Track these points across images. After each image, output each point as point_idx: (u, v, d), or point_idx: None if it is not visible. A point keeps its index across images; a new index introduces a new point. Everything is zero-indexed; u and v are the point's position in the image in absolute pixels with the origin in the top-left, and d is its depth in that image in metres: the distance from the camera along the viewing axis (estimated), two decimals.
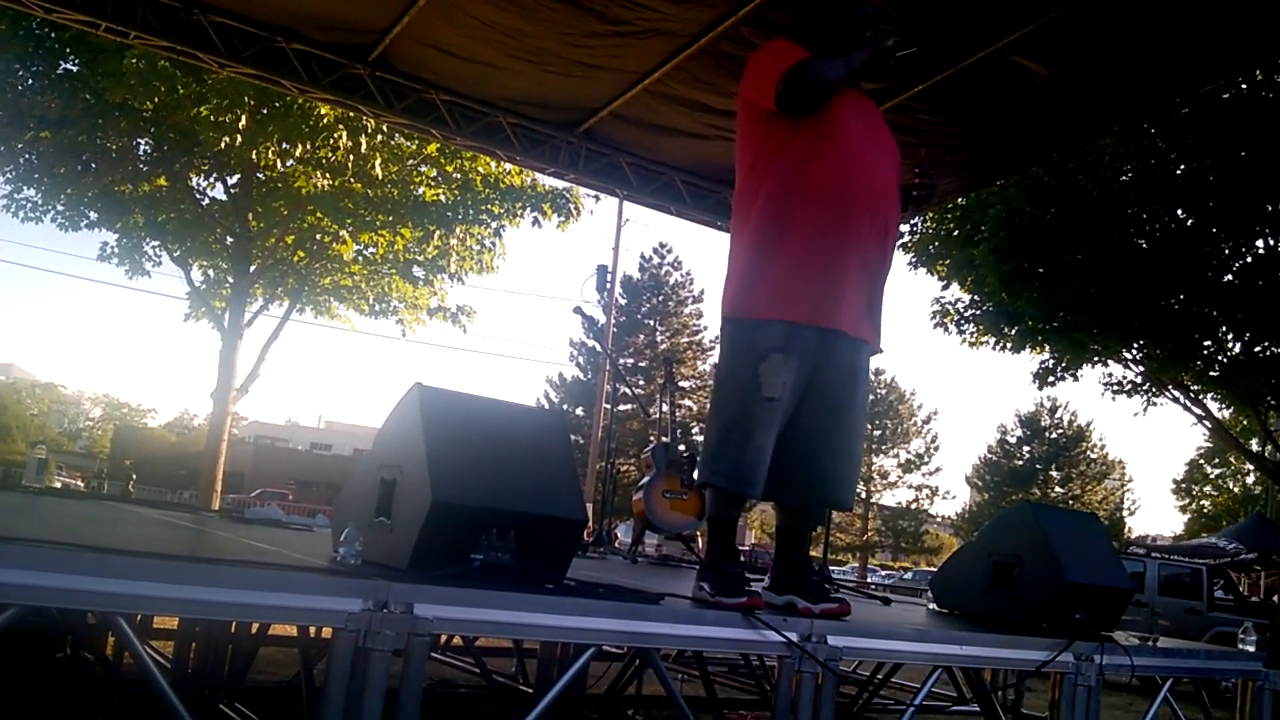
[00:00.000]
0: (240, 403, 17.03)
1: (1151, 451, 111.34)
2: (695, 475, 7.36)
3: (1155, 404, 15.78)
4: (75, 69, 13.88)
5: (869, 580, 35.17)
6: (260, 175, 15.39)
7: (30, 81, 13.84)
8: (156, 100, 12.90)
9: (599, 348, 36.11)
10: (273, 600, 2.21)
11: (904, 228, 14.34)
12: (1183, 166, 12.41)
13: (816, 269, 3.18)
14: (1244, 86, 11.50)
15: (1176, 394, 15.15)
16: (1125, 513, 46.56)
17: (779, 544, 3.51)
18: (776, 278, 3.19)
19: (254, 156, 13.75)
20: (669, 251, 45.12)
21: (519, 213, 15.78)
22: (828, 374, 3.24)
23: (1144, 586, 15.22)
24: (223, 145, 12.90)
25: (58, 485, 28.84)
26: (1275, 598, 17.02)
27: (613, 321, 31.18)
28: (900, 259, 15.02)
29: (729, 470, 3.20)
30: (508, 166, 14.38)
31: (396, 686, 2.28)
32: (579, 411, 39.26)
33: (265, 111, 12.96)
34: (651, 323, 43.42)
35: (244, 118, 12.57)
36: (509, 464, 2.88)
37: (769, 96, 3.16)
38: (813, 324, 3.18)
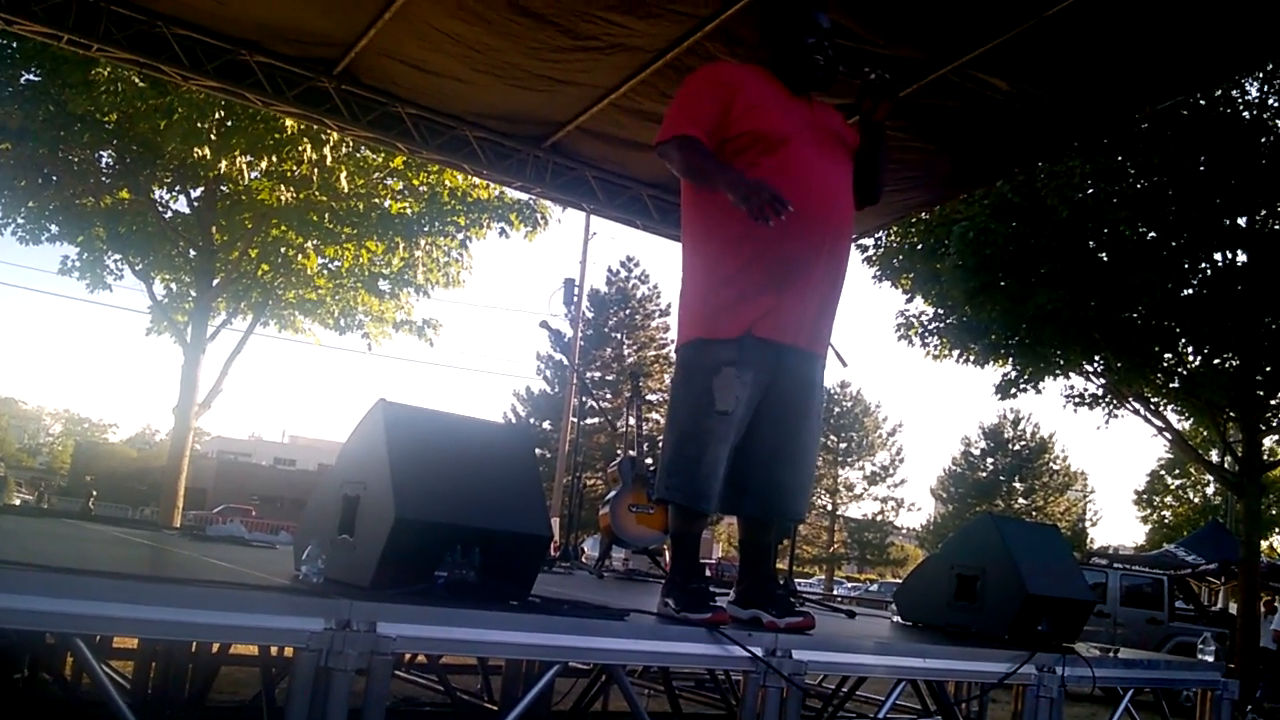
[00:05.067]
0: (203, 418, 16.86)
1: (1113, 463, 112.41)
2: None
3: (1117, 416, 15.96)
4: (37, 79, 13.70)
5: (835, 592, 35.30)
6: (224, 188, 15.27)
7: None
8: (120, 112, 12.79)
9: (566, 361, 36.07)
10: (234, 620, 2.19)
11: (867, 241, 14.46)
12: (1143, 182, 12.58)
13: (768, 284, 3.19)
14: (1202, 103, 11.69)
15: (1137, 406, 15.32)
16: (1087, 523, 47.05)
17: (743, 558, 3.51)
18: (728, 294, 3.21)
19: (219, 169, 13.64)
20: (636, 265, 45.19)
21: (485, 224, 15.74)
22: (782, 387, 3.26)
23: (1106, 597, 15.38)
24: (189, 158, 12.78)
25: (16, 502, 28.40)
26: (1233, 608, 17.23)
27: (580, 335, 31.15)
28: (865, 272, 15.13)
29: (682, 485, 3.21)
30: (475, 180, 14.34)
31: (360, 706, 2.26)
32: (546, 425, 39.16)
33: (230, 124, 12.86)
34: (619, 336, 43.41)
35: (210, 130, 12.47)
36: (473, 480, 2.87)
37: (659, 136, 3.29)
38: (766, 338, 3.20)
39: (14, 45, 12.99)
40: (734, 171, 3.14)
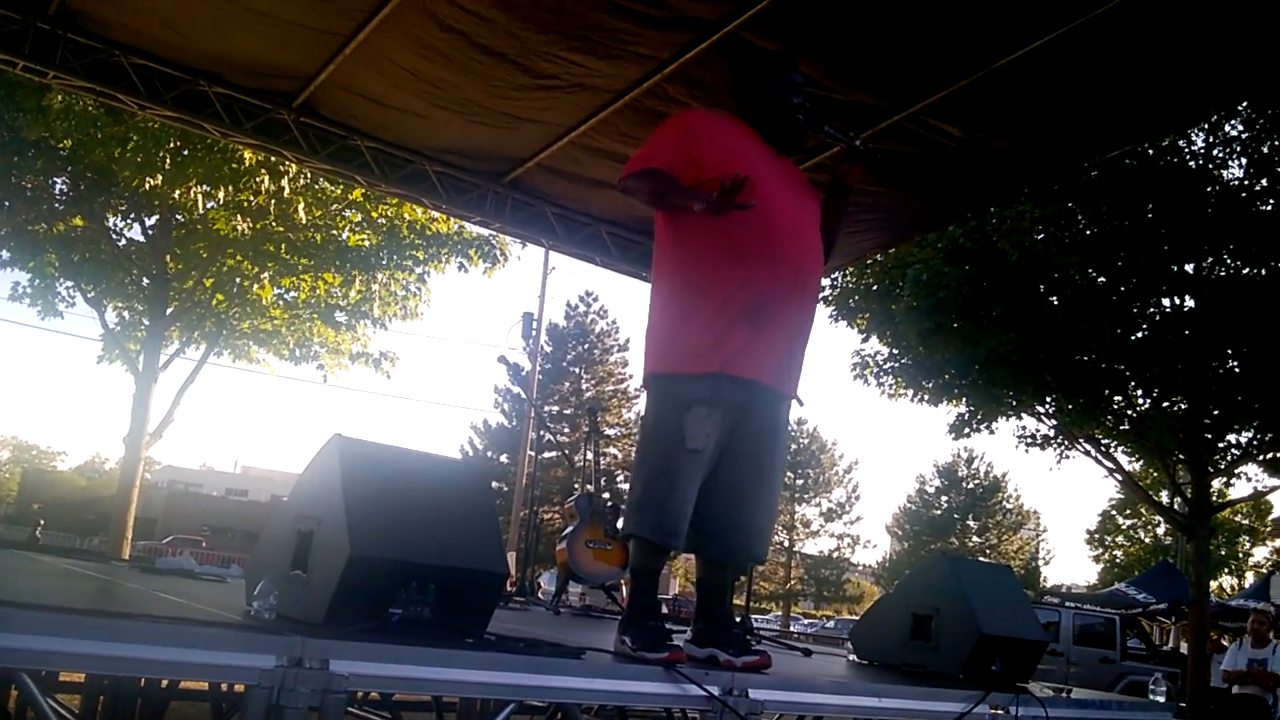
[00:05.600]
0: (154, 447, 16.63)
1: (1065, 503, 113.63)
2: (620, 525, 7.36)
3: (1068, 457, 16.18)
4: None
5: (792, 629, 35.26)
6: (179, 217, 15.16)
7: None
8: (75, 139, 12.67)
9: (524, 395, 36.00)
10: (183, 656, 2.16)
11: (824, 281, 14.59)
12: (1093, 229, 12.83)
13: (739, 324, 3.21)
14: (1150, 152, 11.97)
15: (1088, 447, 15.54)
16: (1040, 562, 47.54)
17: (700, 597, 3.52)
18: (699, 332, 3.22)
19: (175, 198, 13.53)
20: (595, 300, 45.33)
21: (444, 258, 15.71)
22: (749, 427, 3.28)
23: (1059, 636, 15.50)
24: (144, 186, 12.67)
25: None
26: (1184, 648, 17.41)
27: (538, 369, 31.11)
28: (821, 311, 15.21)
29: (653, 521, 3.21)
30: (434, 214, 14.34)
31: None
32: (503, 459, 38.99)
33: (186, 153, 12.76)
34: (577, 370, 43.42)
35: (166, 159, 12.37)
36: (429, 516, 2.85)
37: (623, 172, 3.34)
38: (737, 375, 3.21)
39: None
40: (694, 190, 3.17)
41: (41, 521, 33.83)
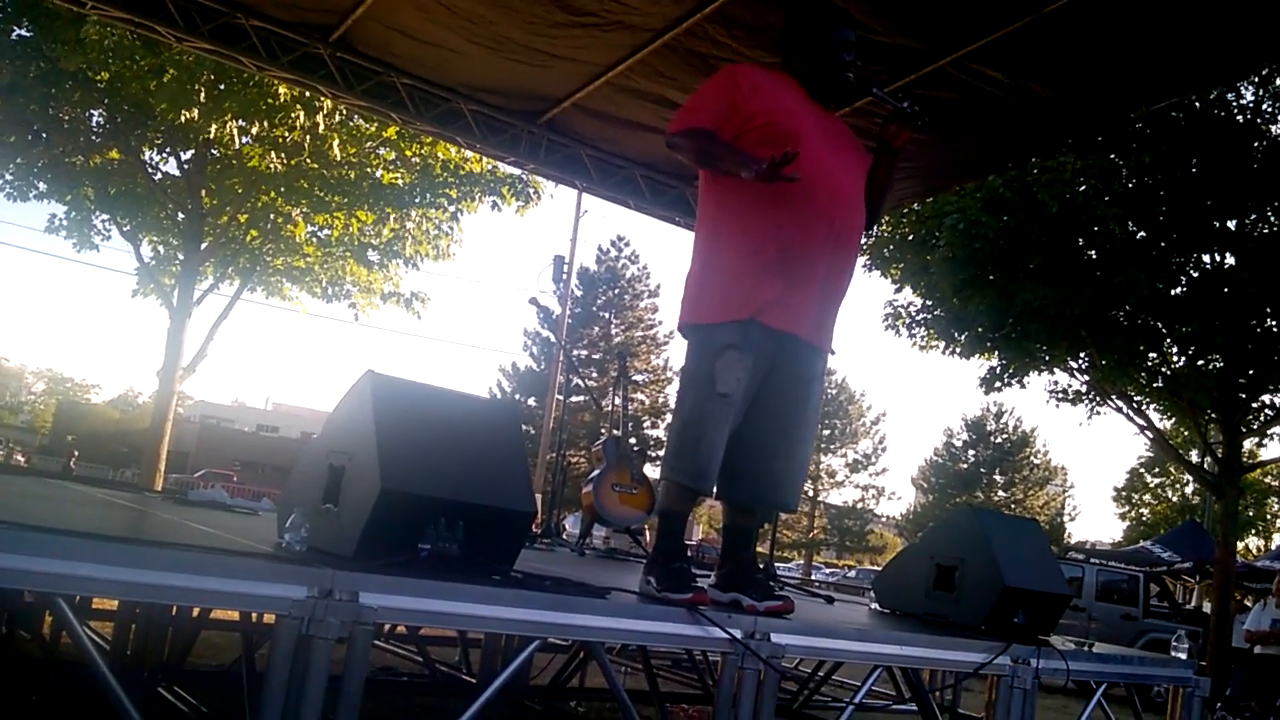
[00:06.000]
0: (187, 382, 16.81)
1: (1094, 459, 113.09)
2: (644, 469, 7.39)
3: (1099, 413, 16.02)
4: (29, 35, 13.57)
5: (813, 578, 35.47)
6: (215, 152, 15.18)
7: None
8: (112, 71, 12.68)
9: (553, 338, 36.10)
10: (215, 585, 2.19)
11: None
12: (1135, 182, 12.60)
13: (775, 274, 3.22)
14: (1197, 105, 11.71)
15: (1120, 404, 15.39)
16: (1066, 518, 47.33)
17: (725, 542, 3.54)
18: (734, 280, 3.25)
19: (210, 132, 13.54)
20: (626, 245, 45.15)
21: (477, 197, 15.68)
22: (782, 376, 3.29)
23: (1082, 592, 15.49)
24: (180, 119, 12.67)
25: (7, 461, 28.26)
26: (1207, 607, 17.37)
27: (568, 313, 31.12)
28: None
29: (685, 466, 3.24)
30: (468, 153, 14.28)
31: (339, 674, 2.27)
32: (531, 402, 39.12)
33: (222, 87, 12.75)
34: (607, 315, 43.38)
35: (201, 92, 12.36)
36: (459, 454, 2.87)
37: (671, 127, 3.36)
38: (769, 325, 3.22)
39: (6, 0, 12.87)
40: (742, 152, 3.17)
41: (76, 453, 34.41)
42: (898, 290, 15.37)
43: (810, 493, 46.31)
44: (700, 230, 3.44)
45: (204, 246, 15.99)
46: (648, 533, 7.65)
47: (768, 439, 3.30)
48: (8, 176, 14.81)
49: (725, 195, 3.33)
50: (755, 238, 3.24)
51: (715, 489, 3.33)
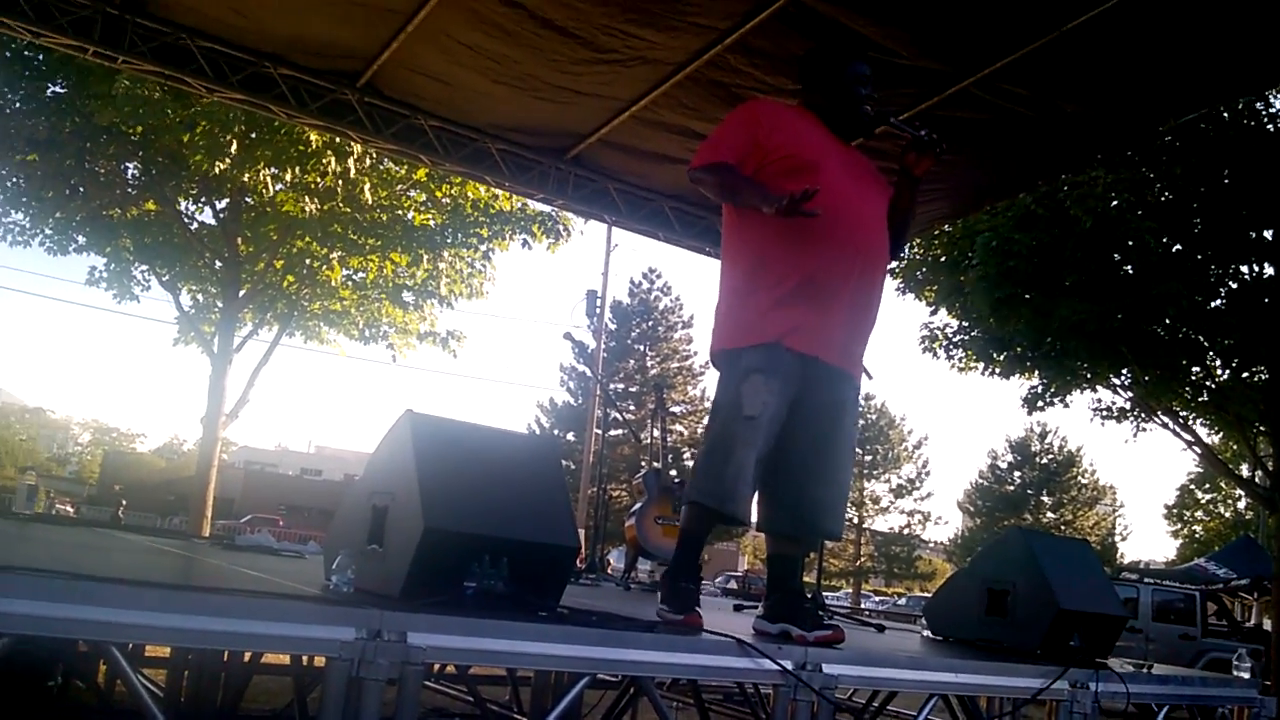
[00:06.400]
0: (230, 428, 16.97)
1: (1143, 477, 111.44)
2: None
3: (1145, 429, 15.82)
4: (63, 91, 13.84)
5: (863, 606, 35.11)
6: (249, 200, 15.40)
7: (18, 104, 13.82)
8: (145, 124, 12.91)
9: (589, 372, 36.11)
10: (265, 629, 2.19)
11: None
12: (1168, 194, 12.49)
13: (799, 300, 3.26)
14: (1225, 115, 11.60)
15: (1166, 419, 15.19)
16: (1117, 538, 46.59)
17: (771, 572, 3.52)
18: (760, 307, 3.29)
19: (244, 181, 13.75)
20: (658, 276, 45.28)
21: (508, 235, 15.81)
22: (812, 401, 3.29)
23: (1138, 612, 15.24)
24: (213, 170, 12.88)
25: (53, 511, 28.59)
26: (1267, 624, 17.02)
27: (603, 346, 31.19)
28: (888, 284, 15.07)
29: (710, 488, 3.27)
30: (497, 191, 14.41)
31: (391, 715, 2.26)
32: (570, 436, 39.18)
33: (254, 136, 12.96)
34: (641, 348, 43.42)
35: (233, 142, 12.57)
36: (501, 490, 2.87)
37: (693, 161, 3.43)
38: (794, 349, 3.25)
39: (40, 57, 13.16)
40: (763, 187, 3.22)
41: (124, 502, 34.76)
42: (933, 312, 15.30)
43: (855, 519, 45.94)
44: (725, 259, 3.49)
45: (242, 293, 16.19)
46: None
47: (804, 465, 3.29)
48: (48, 231, 15.08)
49: (748, 225, 3.38)
50: (779, 267, 3.28)
51: (756, 519, 3.34)
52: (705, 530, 3.42)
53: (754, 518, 3.34)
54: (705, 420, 3.55)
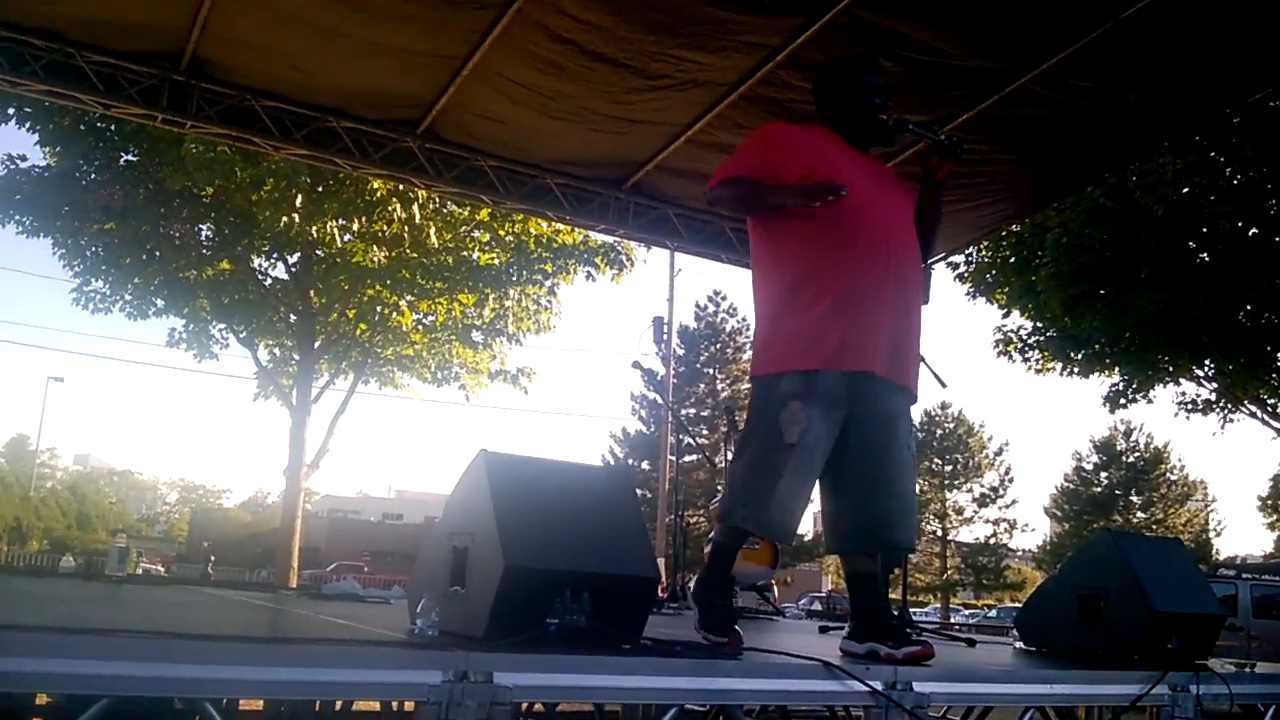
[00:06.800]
0: (312, 477, 17.28)
1: (1234, 469, 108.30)
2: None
3: (1232, 420, 15.43)
4: (135, 159, 14.31)
5: (952, 620, 34.49)
6: (319, 252, 15.73)
7: (93, 175, 14.32)
8: (215, 185, 13.27)
9: (660, 400, 36.13)
10: (354, 677, 2.22)
11: (958, 258, 14.24)
12: (1239, 177, 12.19)
13: (837, 318, 3.23)
14: None
15: (1254, 409, 14.77)
16: (1212, 534, 45.25)
17: (852, 593, 3.47)
18: (795, 331, 3.28)
19: (313, 234, 14.05)
20: (723, 299, 45.09)
21: (572, 269, 15.93)
22: (864, 417, 3.26)
23: (1237, 609, 14.74)
24: (281, 225, 13.19)
25: (139, 572, 29.24)
26: None
27: (672, 372, 31.21)
28: (958, 289, 14.92)
29: (755, 515, 3.27)
30: (559, 226, 14.54)
31: None
32: (644, 465, 39.14)
33: (321, 189, 13.24)
34: (711, 371, 43.30)
35: (300, 197, 12.86)
36: (578, 525, 2.88)
37: (710, 182, 3.42)
38: (837, 369, 3.22)
39: (112, 128, 13.61)
40: (784, 188, 3.25)
41: (212, 558, 35.51)
42: (1005, 314, 15.10)
43: (939, 532, 45.22)
44: (756, 284, 3.49)
45: (317, 344, 16.51)
46: (774, 587, 7.53)
47: (864, 480, 3.27)
48: (127, 297, 15.54)
49: (776, 245, 3.39)
50: (813, 285, 3.27)
51: (827, 547, 3.37)
52: (737, 546, 3.47)
53: (821, 541, 3.34)
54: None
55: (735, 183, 3.37)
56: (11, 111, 12.77)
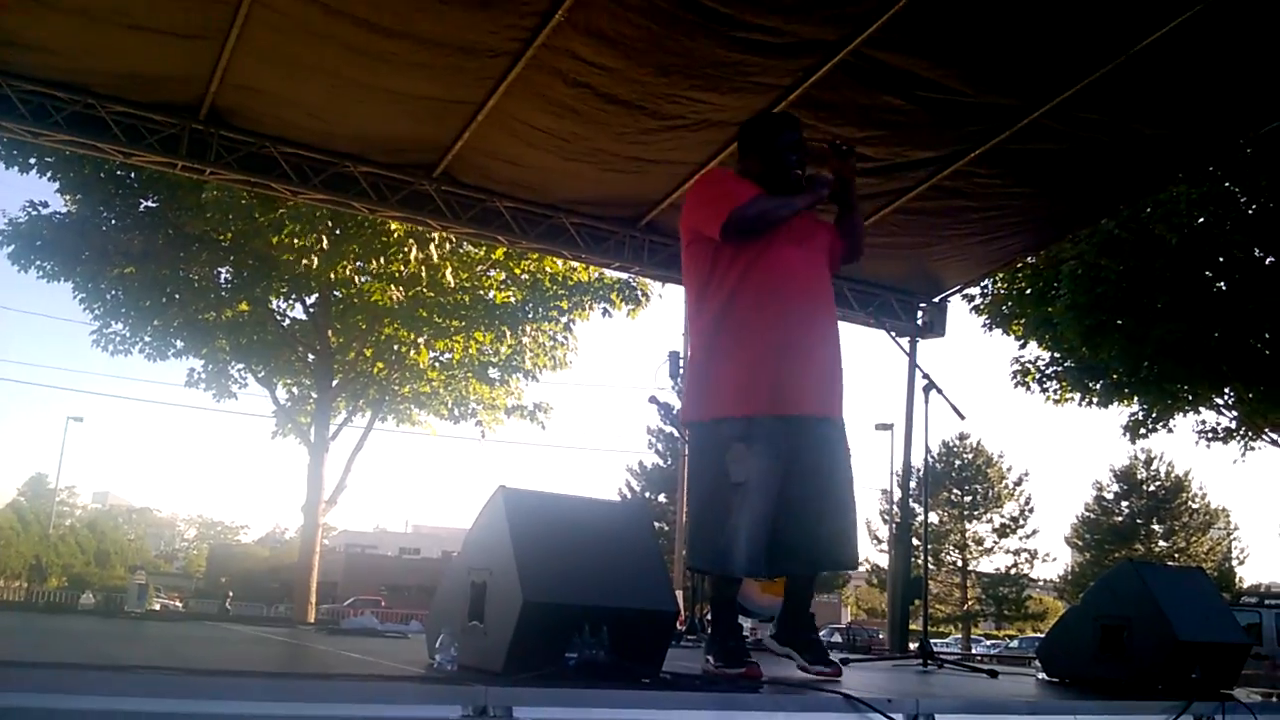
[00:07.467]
0: (330, 513, 17.29)
1: (1256, 497, 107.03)
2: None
3: (1253, 448, 15.29)
4: (155, 205, 14.48)
5: (974, 651, 34.15)
6: (337, 293, 15.83)
7: (114, 220, 14.49)
8: (234, 229, 13.41)
9: (676, 434, 36.04)
10: (374, 711, 2.22)
11: (974, 290, 14.21)
12: (1255, 206, 12.18)
13: (768, 364, 3.40)
14: None
15: (1275, 436, 14.66)
16: (1235, 562, 44.68)
17: (786, 604, 3.74)
18: (730, 379, 3.44)
19: (331, 275, 14.16)
20: None
21: (588, 305, 15.99)
22: (804, 453, 3.40)
23: (1262, 638, 14.57)
24: (301, 267, 13.30)
25: (157, 608, 29.22)
26: None
27: None
28: (974, 322, 14.88)
29: (704, 553, 3.47)
30: (575, 264, 14.61)
31: None
32: (661, 498, 39.00)
33: (339, 232, 13.36)
34: None
35: (323, 238, 12.98)
36: (596, 560, 2.89)
37: (715, 228, 3.47)
38: (773, 414, 3.37)
39: (133, 175, 13.78)
40: (797, 195, 3.52)
41: (230, 594, 35.44)
42: (1022, 346, 15.06)
43: (959, 563, 44.83)
44: (693, 330, 3.67)
45: (335, 383, 16.59)
46: None
47: (808, 508, 3.39)
48: (147, 339, 15.65)
49: (711, 295, 3.54)
50: (745, 337, 3.43)
51: (770, 568, 3.49)
52: (729, 592, 3.63)
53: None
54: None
55: (752, 204, 3.47)
56: (33, 161, 12.95)
